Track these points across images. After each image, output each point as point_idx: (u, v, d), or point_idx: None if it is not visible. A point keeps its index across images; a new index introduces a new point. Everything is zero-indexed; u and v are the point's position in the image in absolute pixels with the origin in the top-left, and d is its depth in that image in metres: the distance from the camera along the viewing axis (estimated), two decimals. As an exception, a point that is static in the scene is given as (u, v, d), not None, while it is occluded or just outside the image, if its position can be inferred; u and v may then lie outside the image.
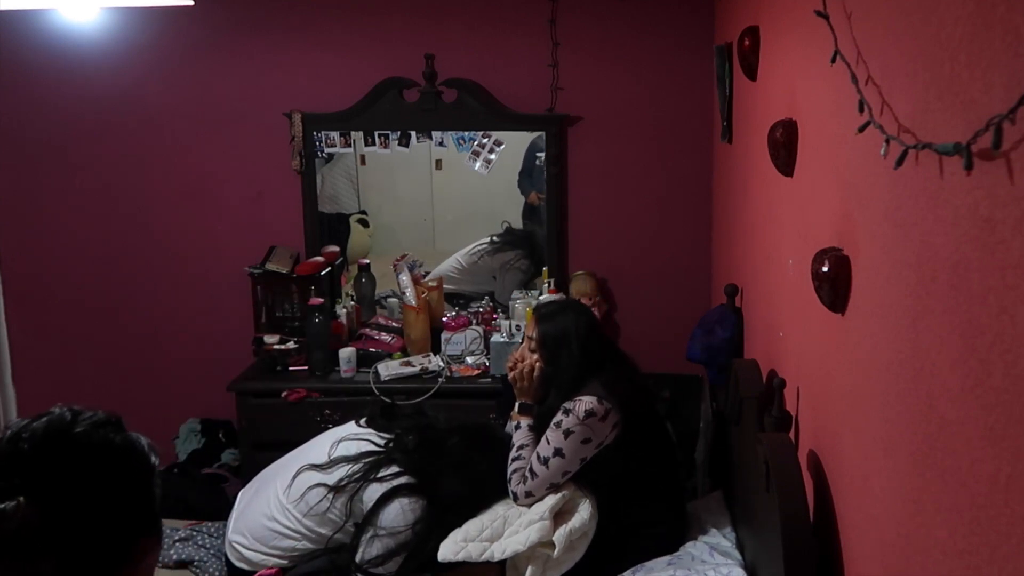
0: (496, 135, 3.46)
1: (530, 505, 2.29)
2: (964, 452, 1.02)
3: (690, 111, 3.39)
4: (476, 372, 3.15)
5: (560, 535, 2.23)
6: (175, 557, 2.49)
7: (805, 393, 1.90)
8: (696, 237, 3.46)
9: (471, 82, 3.34)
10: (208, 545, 2.54)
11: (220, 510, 2.76)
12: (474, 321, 3.34)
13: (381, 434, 2.43)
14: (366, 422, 2.50)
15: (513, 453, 2.35)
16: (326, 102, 3.40)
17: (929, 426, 1.13)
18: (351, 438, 2.42)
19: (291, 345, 3.24)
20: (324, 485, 2.30)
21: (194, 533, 2.58)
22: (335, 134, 3.46)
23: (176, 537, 2.56)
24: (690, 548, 2.37)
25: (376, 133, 3.45)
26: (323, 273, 3.42)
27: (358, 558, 2.25)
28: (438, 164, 3.57)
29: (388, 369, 3.13)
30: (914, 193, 1.18)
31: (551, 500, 2.27)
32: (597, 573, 2.31)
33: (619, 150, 3.45)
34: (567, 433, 2.26)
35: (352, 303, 3.48)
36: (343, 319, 3.35)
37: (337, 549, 2.31)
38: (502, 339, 3.12)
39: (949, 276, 1.06)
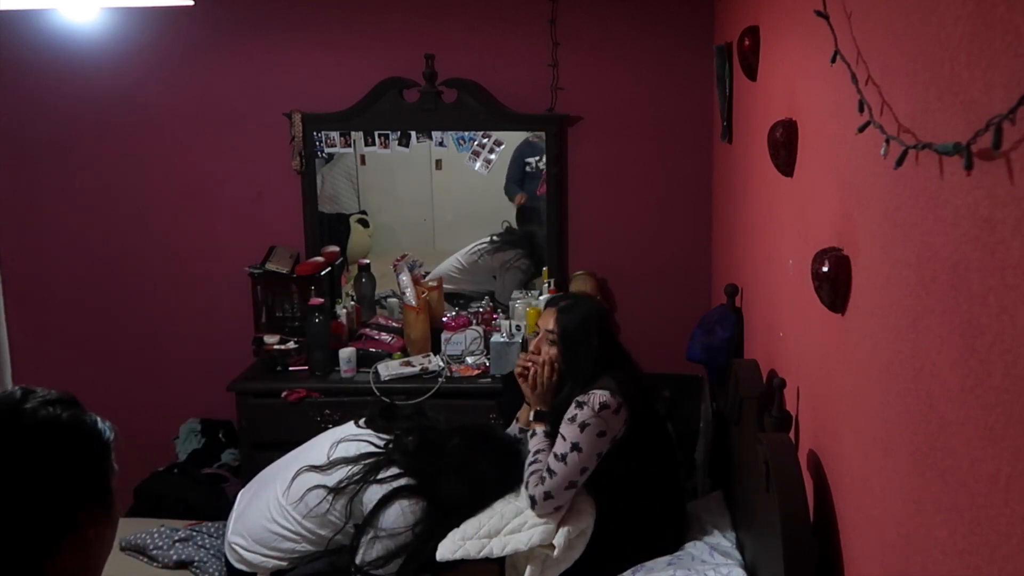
0: (496, 135, 3.46)
1: (551, 510, 2.23)
2: (964, 452, 1.02)
3: (690, 111, 3.39)
4: (476, 372, 3.15)
5: (560, 536, 2.23)
6: (175, 557, 2.49)
7: (805, 393, 1.90)
8: (696, 237, 3.46)
9: (471, 82, 3.34)
10: (208, 545, 2.54)
11: (220, 510, 2.76)
12: (474, 321, 3.34)
13: (381, 435, 2.42)
14: (365, 423, 2.49)
15: (530, 458, 2.32)
16: (326, 102, 3.40)
17: (929, 426, 1.13)
18: (350, 439, 2.41)
19: (291, 345, 3.24)
20: (323, 487, 2.29)
21: (194, 533, 2.58)
22: (335, 134, 3.46)
23: (176, 537, 2.55)
24: (690, 548, 2.37)
25: (376, 133, 3.45)
26: (323, 273, 3.42)
27: (358, 560, 2.25)
28: (438, 164, 3.57)
29: (388, 369, 3.13)
30: (914, 193, 1.18)
31: None
32: (597, 573, 2.31)
33: (619, 150, 3.45)
34: (583, 426, 2.24)
35: (352, 303, 3.48)
36: (343, 319, 3.35)
37: (337, 551, 2.31)
38: (502, 339, 3.12)
39: (949, 276, 1.06)
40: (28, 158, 3.51)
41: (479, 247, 3.63)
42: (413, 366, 3.14)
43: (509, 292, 3.54)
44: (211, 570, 2.46)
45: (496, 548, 2.23)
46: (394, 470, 2.32)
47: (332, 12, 3.37)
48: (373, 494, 2.28)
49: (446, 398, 3.05)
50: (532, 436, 2.37)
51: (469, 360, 3.20)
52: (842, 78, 1.43)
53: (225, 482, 3.29)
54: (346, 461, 2.34)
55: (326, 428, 2.70)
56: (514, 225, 3.65)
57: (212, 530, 2.62)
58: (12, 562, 1.07)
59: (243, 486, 2.61)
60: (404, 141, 3.47)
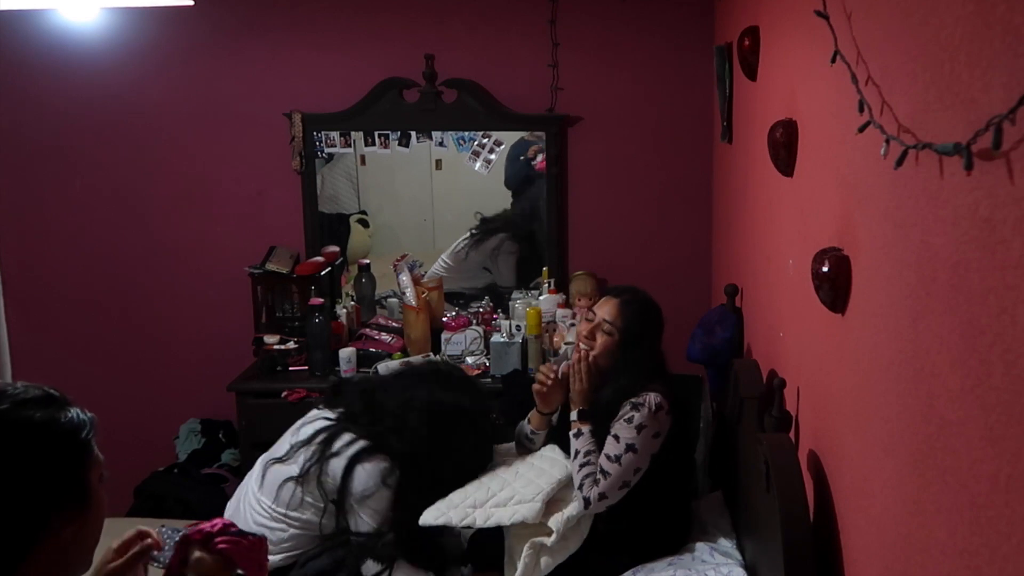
0: (496, 135, 3.46)
1: (604, 509, 2.25)
2: (964, 452, 1.02)
3: (690, 111, 3.39)
4: (476, 372, 3.14)
5: (557, 520, 2.23)
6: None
7: (805, 393, 1.90)
8: (696, 237, 3.46)
9: (471, 82, 3.34)
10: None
11: (220, 510, 2.75)
12: (474, 321, 3.34)
13: (334, 411, 2.45)
14: (323, 404, 2.52)
15: (580, 459, 2.29)
16: (326, 102, 3.40)
17: (929, 426, 1.13)
18: (306, 422, 2.45)
19: (291, 345, 3.24)
20: (291, 478, 2.31)
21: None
22: (335, 134, 3.46)
23: (176, 538, 2.55)
24: (690, 548, 2.37)
25: (376, 133, 3.45)
26: (323, 273, 3.42)
27: (354, 528, 2.28)
28: (438, 164, 3.57)
29: (388, 369, 3.12)
30: (914, 193, 1.18)
31: (546, 486, 2.27)
32: (598, 573, 2.31)
33: (619, 150, 3.45)
34: (640, 428, 2.23)
35: (352, 303, 3.48)
36: (343, 319, 3.35)
37: (334, 538, 2.32)
38: (502, 339, 3.12)
39: (949, 276, 1.06)
40: (28, 158, 3.51)
41: (461, 243, 3.63)
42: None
43: (508, 276, 3.54)
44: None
45: (479, 519, 2.24)
46: (347, 437, 2.34)
47: (332, 12, 3.37)
48: (335, 467, 2.30)
49: (446, 398, 3.04)
50: (578, 436, 2.34)
51: (469, 360, 3.20)
52: (842, 78, 1.43)
53: (225, 482, 3.29)
54: (303, 444, 2.36)
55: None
56: (490, 212, 3.63)
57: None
58: None
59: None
60: (404, 141, 3.47)
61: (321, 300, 3.21)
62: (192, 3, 2.51)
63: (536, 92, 3.38)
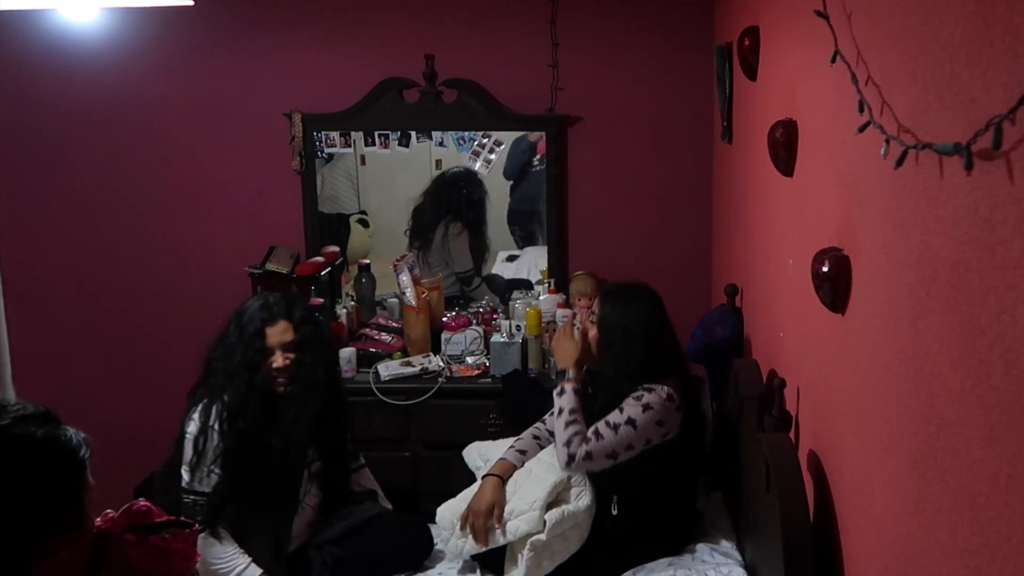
0: (496, 135, 3.46)
1: (581, 472, 2.27)
2: (964, 452, 1.02)
3: (690, 111, 3.39)
4: (476, 372, 3.15)
5: (553, 515, 2.24)
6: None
7: (805, 393, 1.90)
8: (696, 237, 3.46)
9: (471, 82, 3.34)
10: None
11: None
12: (474, 321, 3.34)
13: None
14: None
15: (566, 417, 2.29)
16: (326, 102, 3.40)
17: (929, 426, 1.13)
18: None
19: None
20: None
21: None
22: (335, 134, 3.46)
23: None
24: (690, 548, 2.37)
25: (376, 133, 3.45)
26: (323, 273, 3.42)
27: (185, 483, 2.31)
28: (438, 164, 3.57)
29: (388, 369, 3.13)
30: (914, 193, 1.18)
31: (544, 492, 2.27)
32: (599, 573, 2.31)
33: (619, 150, 3.45)
34: (647, 407, 2.25)
35: (352, 303, 3.48)
36: (343, 319, 3.35)
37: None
38: (502, 339, 3.12)
39: (949, 276, 1.06)
40: (28, 158, 3.51)
41: (410, 250, 3.61)
42: (413, 366, 3.14)
43: (462, 261, 3.57)
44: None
45: (491, 541, 2.32)
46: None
47: (332, 12, 3.37)
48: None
49: (446, 398, 3.05)
50: (561, 394, 2.33)
51: (469, 360, 3.20)
52: (842, 78, 1.43)
53: (225, 482, 3.28)
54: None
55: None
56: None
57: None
58: None
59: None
60: (404, 141, 3.47)
61: (321, 300, 3.21)
62: (192, 3, 2.51)
63: (536, 92, 3.38)
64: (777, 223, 2.18)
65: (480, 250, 3.65)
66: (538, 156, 3.50)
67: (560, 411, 2.31)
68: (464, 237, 3.62)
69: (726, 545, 2.37)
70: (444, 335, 3.26)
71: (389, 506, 2.66)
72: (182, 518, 1.44)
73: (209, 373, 2.39)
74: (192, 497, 2.29)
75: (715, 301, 3.24)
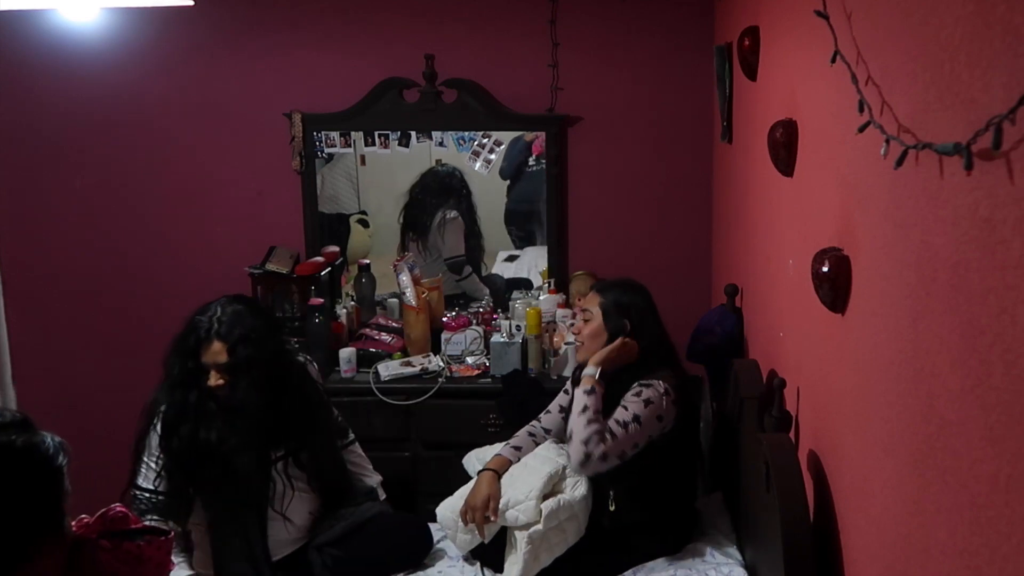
0: (496, 135, 3.46)
1: (593, 472, 2.27)
2: (964, 452, 1.02)
3: (690, 111, 3.38)
4: (476, 372, 3.14)
5: (549, 504, 2.25)
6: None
7: (805, 393, 1.90)
8: (696, 237, 3.46)
9: (471, 82, 3.34)
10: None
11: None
12: (474, 321, 3.34)
13: None
14: None
15: (589, 415, 2.27)
16: (326, 102, 3.39)
17: (929, 426, 1.13)
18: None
19: (291, 345, 3.23)
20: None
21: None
22: (335, 134, 3.46)
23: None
24: (691, 548, 2.37)
25: (376, 133, 3.45)
26: (323, 273, 3.42)
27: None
28: (438, 164, 3.57)
29: (388, 369, 3.13)
30: (914, 193, 1.18)
31: (540, 482, 2.28)
32: (601, 568, 2.31)
33: (619, 150, 3.45)
34: (647, 402, 2.27)
35: (352, 303, 3.48)
36: (343, 319, 3.35)
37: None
38: (502, 339, 3.12)
39: (949, 276, 1.06)
40: (28, 158, 3.51)
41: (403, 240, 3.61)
42: (413, 366, 3.14)
43: (453, 246, 3.57)
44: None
45: (487, 533, 2.32)
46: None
47: (332, 12, 3.37)
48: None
49: (446, 398, 3.05)
50: (590, 393, 2.31)
51: (469, 360, 3.20)
52: (842, 78, 1.43)
53: (225, 482, 3.28)
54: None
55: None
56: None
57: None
58: None
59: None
60: (404, 141, 3.47)
61: (321, 300, 3.21)
62: (192, 3, 2.51)
63: (536, 92, 3.38)
64: (777, 223, 2.18)
65: (474, 239, 3.64)
66: (534, 156, 3.50)
67: (585, 408, 2.29)
68: (458, 223, 3.61)
69: (726, 545, 2.37)
70: (444, 335, 3.26)
71: (383, 495, 2.66)
72: (157, 525, 1.43)
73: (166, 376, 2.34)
74: (135, 491, 2.30)
75: (715, 301, 3.24)
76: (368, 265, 3.53)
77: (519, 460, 2.45)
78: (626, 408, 2.28)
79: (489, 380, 3.10)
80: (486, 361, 3.17)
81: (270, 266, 3.36)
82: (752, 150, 2.48)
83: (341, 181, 3.62)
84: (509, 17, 3.36)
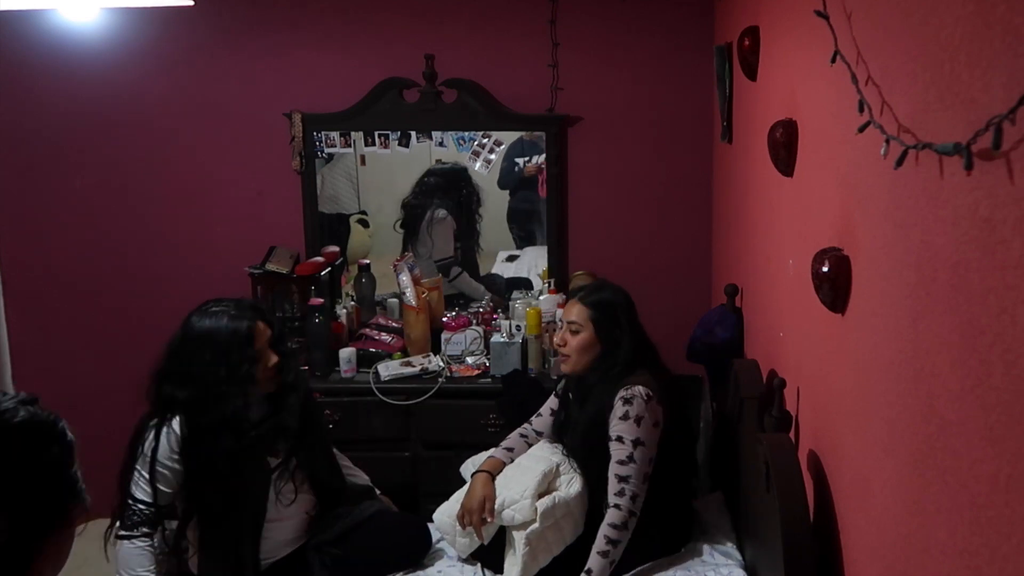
0: (496, 135, 3.46)
1: (639, 508, 2.25)
2: (964, 452, 1.02)
3: (690, 111, 3.39)
4: (476, 372, 3.15)
5: (544, 502, 2.25)
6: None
7: (805, 393, 1.90)
8: (696, 237, 3.46)
9: (471, 82, 3.34)
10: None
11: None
12: (474, 321, 3.34)
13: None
14: None
15: (602, 546, 2.23)
16: (326, 102, 3.40)
17: (929, 426, 1.13)
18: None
19: (291, 345, 3.23)
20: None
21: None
22: (335, 134, 3.46)
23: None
24: (691, 548, 2.37)
25: (376, 133, 3.45)
26: (323, 273, 3.42)
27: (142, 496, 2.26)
28: (438, 164, 3.57)
29: (388, 369, 3.13)
30: (914, 193, 1.18)
31: (534, 481, 2.28)
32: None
33: (619, 150, 3.45)
34: (639, 420, 2.26)
35: (352, 303, 3.48)
36: (343, 319, 3.35)
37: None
38: (502, 339, 3.12)
39: (949, 276, 1.06)
40: (28, 158, 3.51)
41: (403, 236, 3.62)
42: (413, 366, 3.14)
43: (442, 248, 3.58)
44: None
45: (485, 536, 2.32)
46: None
47: (332, 12, 3.37)
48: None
49: (446, 398, 3.05)
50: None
51: (469, 360, 3.20)
52: (842, 78, 1.43)
53: (225, 482, 3.28)
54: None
55: (328, 428, 2.71)
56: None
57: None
58: None
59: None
60: (404, 141, 3.47)
61: (321, 300, 3.21)
62: (192, 3, 2.51)
63: (536, 92, 3.38)
64: (777, 223, 2.18)
65: (466, 240, 3.64)
66: (527, 176, 3.53)
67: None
68: (448, 223, 3.61)
69: (726, 545, 2.37)
70: (444, 335, 3.26)
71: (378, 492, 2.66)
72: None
73: (165, 402, 2.34)
74: (132, 504, 2.25)
75: (715, 301, 3.24)
76: (368, 265, 3.53)
77: (512, 461, 2.45)
78: (622, 440, 2.25)
79: (489, 380, 3.10)
80: (486, 361, 3.17)
81: (270, 266, 3.36)
82: (752, 150, 2.48)
83: (341, 181, 3.62)
84: (509, 17, 3.36)
